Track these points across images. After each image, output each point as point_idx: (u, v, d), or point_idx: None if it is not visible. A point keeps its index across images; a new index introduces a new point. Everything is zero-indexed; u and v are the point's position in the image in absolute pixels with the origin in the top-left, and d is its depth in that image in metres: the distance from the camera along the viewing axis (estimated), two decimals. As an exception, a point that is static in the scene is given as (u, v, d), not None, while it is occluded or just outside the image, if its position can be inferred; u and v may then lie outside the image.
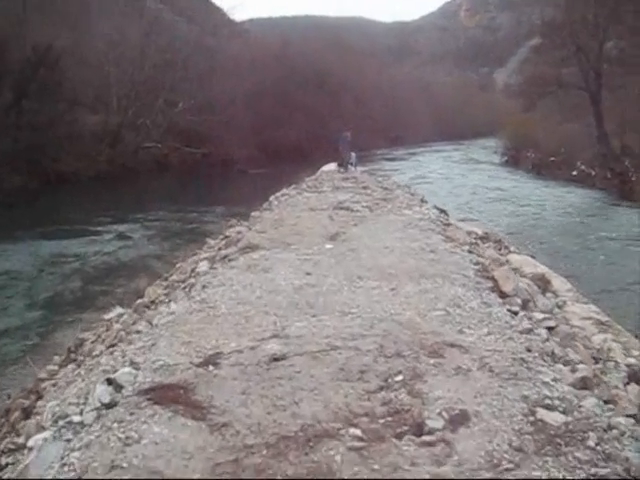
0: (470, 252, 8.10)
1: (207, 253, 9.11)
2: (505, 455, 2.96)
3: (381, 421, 3.28)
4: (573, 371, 4.27)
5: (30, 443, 3.74)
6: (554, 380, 3.87)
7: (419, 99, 65.96)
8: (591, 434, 3.16)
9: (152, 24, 37.49)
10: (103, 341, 6.23)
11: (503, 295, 6.40)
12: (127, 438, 3.18)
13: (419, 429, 3.20)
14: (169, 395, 3.54)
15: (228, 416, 3.33)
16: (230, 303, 5.32)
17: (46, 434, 3.72)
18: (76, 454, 3.14)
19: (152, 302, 7.45)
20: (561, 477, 2.81)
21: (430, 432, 3.17)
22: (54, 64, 28.55)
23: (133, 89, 34.54)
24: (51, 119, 27.94)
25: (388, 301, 5.32)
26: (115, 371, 4.13)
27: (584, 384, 4.06)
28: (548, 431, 3.17)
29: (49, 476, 3.07)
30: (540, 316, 5.99)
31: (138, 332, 5.42)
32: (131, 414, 3.42)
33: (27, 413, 4.90)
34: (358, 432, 3.15)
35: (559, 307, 7.44)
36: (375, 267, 6.57)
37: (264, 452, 3.00)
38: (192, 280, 6.89)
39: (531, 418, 3.28)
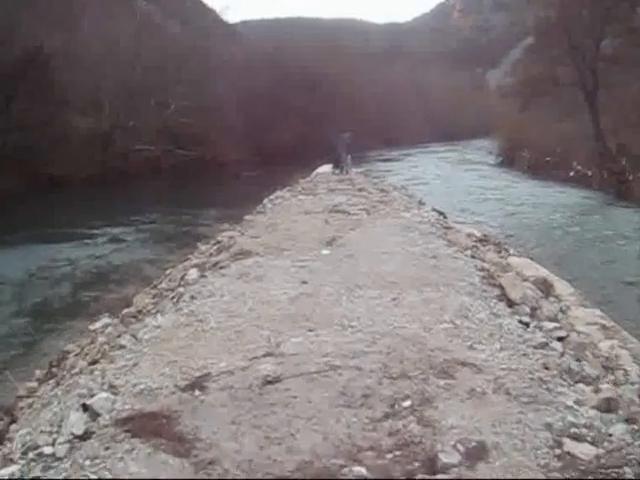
0: (473, 257, 7.76)
1: (198, 259, 8.73)
2: (533, 498, 2.59)
3: (389, 456, 2.90)
4: (596, 391, 3.89)
5: (-6, 480, 3.35)
6: (577, 403, 3.51)
7: (413, 100, 65.65)
8: (627, 469, 2.79)
9: (144, 25, 37.06)
10: (86, 356, 5.83)
11: (510, 303, 6.05)
12: (99, 480, 2.79)
13: (432, 465, 2.82)
14: (150, 426, 3.14)
15: (215, 451, 2.94)
16: (220, 316, 4.93)
17: (13, 468, 3.33)
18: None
19: (139, 312, 7.07)
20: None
21: (445, 468, 2.79)
22: (44, 65, 28.08)
23: (125, 91, 34.08)
24: (41, 121, 27.41)
25: (390, 312, 4.95)
26: (92, 395, 3.73)
27: (609, 406, 3.69)
28: (578, 466, 2.80)
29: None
30: (550, 326, 5.63)
31: (122, 347, 5.02)
32: (106, 449, 3.02)
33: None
34: (363, 470, 2.76)
35: (563, 312, 7.13)
36: (374, 274, 6.20)
37: (256, 497, 2.62)
38: (181, 289, 6.49)
39: (557, 451, 2.91)
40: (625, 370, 4.89)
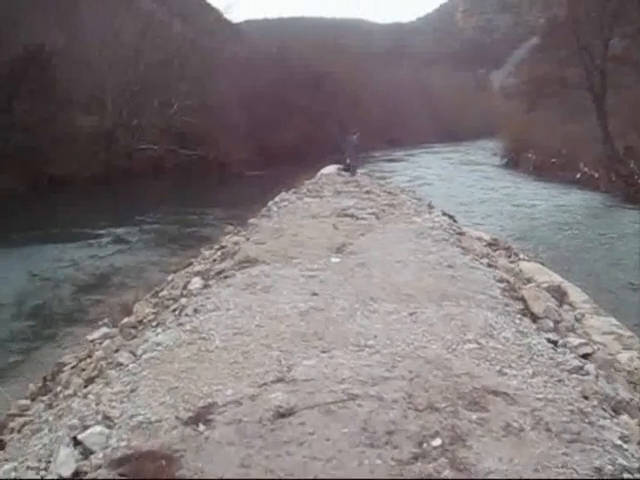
0: (490, 266, 7.40)
1: (201, 265, 8.38)
2: None
3: (420, 509, 2.54)
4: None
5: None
6: (624, 440, 3.15)
7: (417, 100, 65.18)
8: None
9: (147, 24, 36.71)
10: (81, 372, 5.50)
11: (534, 318, 5.71)
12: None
13: (471, 521, 2.47)
14: (148, 469, 2.78)
15: (222, 502, 2.59)
16: (225, 333, 4.56)
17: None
18: None
19: (139, 322, 6.75)
20: None
21: (485, 525, 2.44)
22: (46, 64, 27.78)
23: (128, 90, 33.76)
24: (43, 120, 27.13)
25: (408, 330, 4.58)
26: (85, 426, 3.38)
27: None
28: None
29: None
30: (576, 342, 5.30)
31: (119, 365, 4.68)
32: (98, 498, 2.67)
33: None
34: (393, 528, 2.41)
35: (577, 321, 6.83)
36: (389, 286, 5.83)
37: None
38: (184, 300, 6.13)
39: (614, 505, 2.55)
40: (648, 385, 4.66)
